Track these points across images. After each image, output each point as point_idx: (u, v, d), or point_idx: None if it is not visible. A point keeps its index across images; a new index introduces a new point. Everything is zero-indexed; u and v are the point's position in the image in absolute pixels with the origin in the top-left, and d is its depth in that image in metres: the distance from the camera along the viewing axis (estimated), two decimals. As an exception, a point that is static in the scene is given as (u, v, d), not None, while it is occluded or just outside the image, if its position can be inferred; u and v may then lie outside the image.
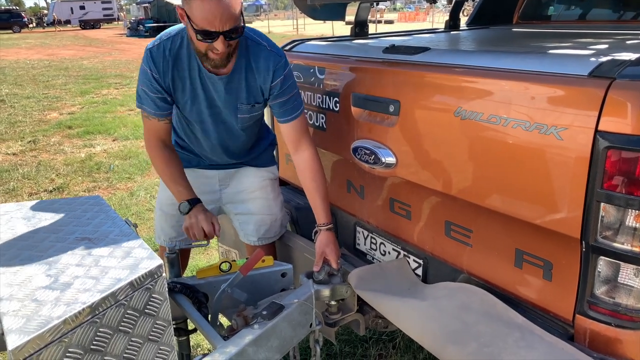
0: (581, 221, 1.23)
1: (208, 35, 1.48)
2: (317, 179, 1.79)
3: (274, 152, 2.19)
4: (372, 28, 22.69)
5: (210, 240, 1.80)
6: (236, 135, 1.86)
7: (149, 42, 1.71)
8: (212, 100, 1.74)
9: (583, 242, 1.25)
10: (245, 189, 2.00)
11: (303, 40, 2.43)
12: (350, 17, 2.70)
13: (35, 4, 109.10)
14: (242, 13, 1.54)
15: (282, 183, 2.55)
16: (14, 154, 5.85)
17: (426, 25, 25.91)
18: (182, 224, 1.79)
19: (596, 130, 1.16)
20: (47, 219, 1.48)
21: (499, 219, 1.44)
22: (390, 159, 1.74)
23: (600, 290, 1.27)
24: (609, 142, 1.14)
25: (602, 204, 1.19)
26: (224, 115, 1.79)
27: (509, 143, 1.35)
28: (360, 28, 2.60)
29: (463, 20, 3.27)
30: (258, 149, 2.02)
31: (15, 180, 4.89)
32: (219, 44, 1.50)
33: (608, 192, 1.17)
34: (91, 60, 16.73)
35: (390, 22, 32.79)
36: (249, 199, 2.00)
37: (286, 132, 1.79)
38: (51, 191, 4.59)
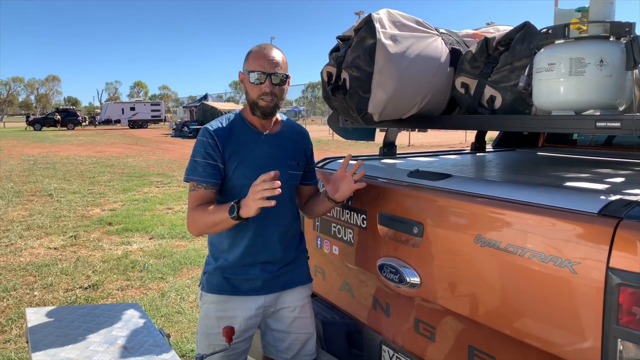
0: (600, 355, 1.25)
1: (259, 77, 1.84)
2: None
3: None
4: (405, 134, 23.44)
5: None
6: (283, 200, 1.88)
7: (192, 142, 1.90)
8: (261, 159, 1.91)
9: (604, 377, 1.26)
10: (287, 307, 2.03)
11: (334, 158, 2.61)
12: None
13: (90, 103, 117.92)
14: (287, 68, 1.90)
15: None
16: (55, 249, 6.12)
17: (459, 133, 26.62)
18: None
19: (607, 267, 1.22)
20: (90, 324, 1.58)
21: (522, 348, 1.46)
22: (415, 279, 1.80)
23: None
24: (620, 279, 1.19)
25: (618, 339, 1.21)
26: None
27: (526, 273, 1.41)
28: (388, 148, 2.78)
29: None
30: (299, 247, 2.07)
31: (53, 275, 5.08)
32: (267, 85, 1.83)
33: (624, 329, 1.20)
34: (136, 159, 17.65)
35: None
36: (289, 317, 2.03)
37: (308, 192, 2.17)
38: (86, 288, 4.73)
